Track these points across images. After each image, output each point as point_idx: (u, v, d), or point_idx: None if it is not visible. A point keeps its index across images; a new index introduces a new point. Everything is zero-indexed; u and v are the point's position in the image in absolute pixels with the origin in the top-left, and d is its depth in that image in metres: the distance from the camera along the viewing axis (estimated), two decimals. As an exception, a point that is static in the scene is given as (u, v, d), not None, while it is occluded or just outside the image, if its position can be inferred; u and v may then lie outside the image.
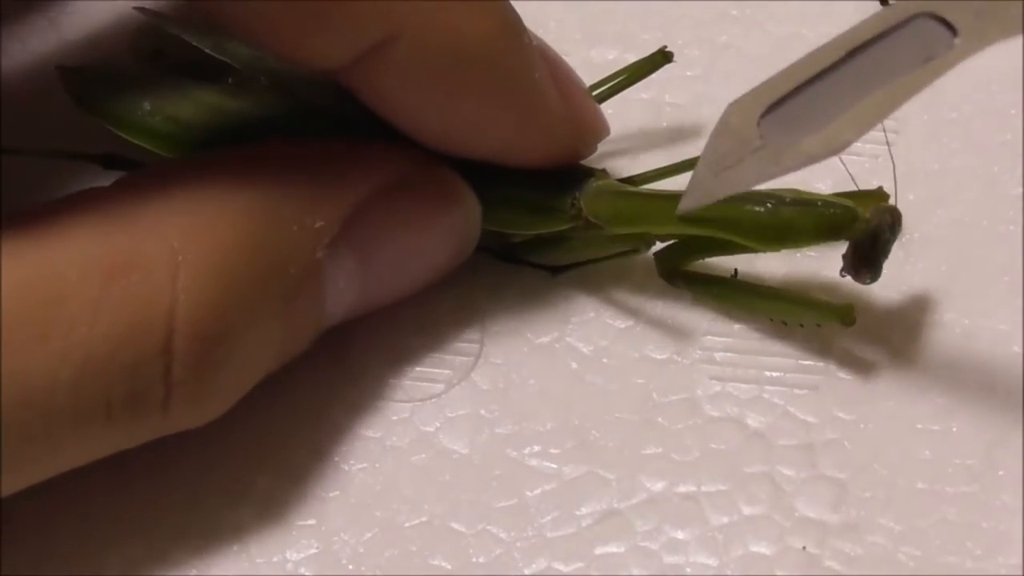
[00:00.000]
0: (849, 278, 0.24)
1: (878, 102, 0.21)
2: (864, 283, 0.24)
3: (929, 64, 0.20)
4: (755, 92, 0.22)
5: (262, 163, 0.21)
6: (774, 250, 0.24)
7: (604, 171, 0.25)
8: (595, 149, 0.26)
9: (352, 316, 0.24)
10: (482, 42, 0.22)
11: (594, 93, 0.26)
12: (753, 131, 0.22)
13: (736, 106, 0.23)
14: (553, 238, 0.25)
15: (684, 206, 0.24)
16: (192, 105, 0.25)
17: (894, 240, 0.23)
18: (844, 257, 0.23)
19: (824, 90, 0.21)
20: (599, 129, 0.26)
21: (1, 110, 0.26)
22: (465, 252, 0.25)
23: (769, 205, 0.23)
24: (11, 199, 0.25)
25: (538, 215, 0.25)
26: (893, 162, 0.24)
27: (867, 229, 0.23)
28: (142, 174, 0.21)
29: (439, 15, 0.21)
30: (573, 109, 0.25)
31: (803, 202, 0.23)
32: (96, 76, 0.26)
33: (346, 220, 0.22)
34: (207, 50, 0.25)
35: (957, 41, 0.20)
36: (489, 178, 0.25)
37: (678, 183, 0.26)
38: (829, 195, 0.24)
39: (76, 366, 0.18)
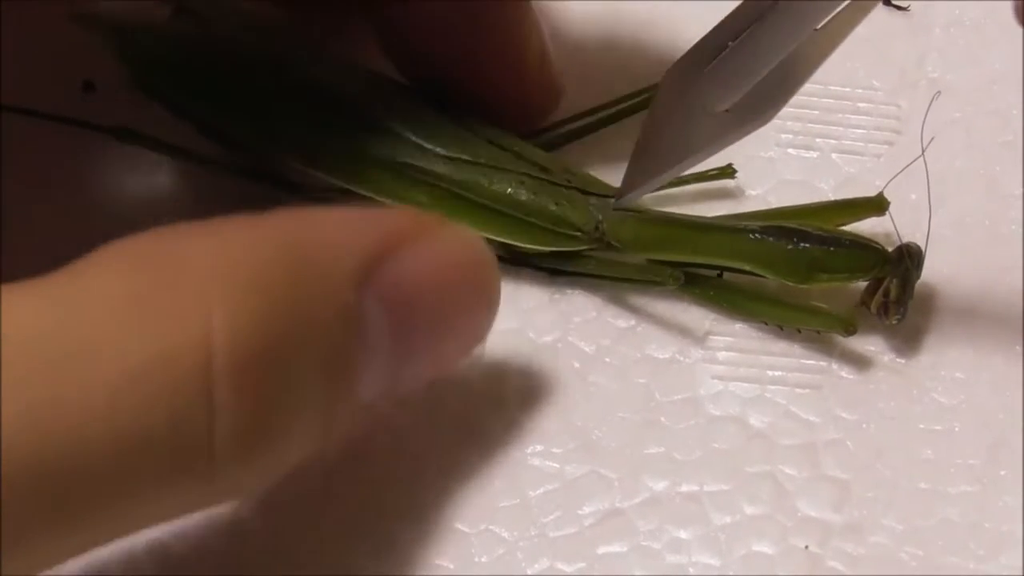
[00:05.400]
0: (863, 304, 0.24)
1: (809, 52, 0.21)
2: (891, 323, 0.24)
3: (848, 6, 0.20)
4: (687, 57, 0.22)
5: (284, 214, 0.21)
6: (802, 284, 0.24)
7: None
8: (548, 114, 0.27)
9: (390, 393, 0.22)
10: None
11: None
12: (693, 102, 0.22)
13: (669, 78, 0.23)
14: (569, 254, 0.25)
15: (624, 199, 0.24)
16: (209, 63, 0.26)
17: (918, 279, 0.24)
18: (867, 295, 0.24)
19: (760, 39, 0.21)
20: (559, 90, 0.27)
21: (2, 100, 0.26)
22: (489, 317, 0.24)
23: (801, 244, 0.24)
24: (16, 171, 0.25)
25: (559, 234, 0.25)
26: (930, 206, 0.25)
27: (896, 272, 0.23)
28: (164, 229, 0.21)
29: None
30: (547, 61, 0.26)
31: (833, 241, 0.24)
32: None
33: (371, 268, 0.21)
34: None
35: None
36: (512, 195, 0.25)
37: (700, 209, 0.26)
38: (856, 234, 0.24)
39: (108, 389, 0.18)
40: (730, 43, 0.22)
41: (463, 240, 0.23)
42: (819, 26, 0.21)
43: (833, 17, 0.21)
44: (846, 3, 0.20)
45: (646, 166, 0.23)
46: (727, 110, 0.22)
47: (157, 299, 0.19)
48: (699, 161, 0.23)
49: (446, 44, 0.25)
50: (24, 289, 0.18)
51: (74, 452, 0.18)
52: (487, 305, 0.23)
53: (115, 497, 0.18)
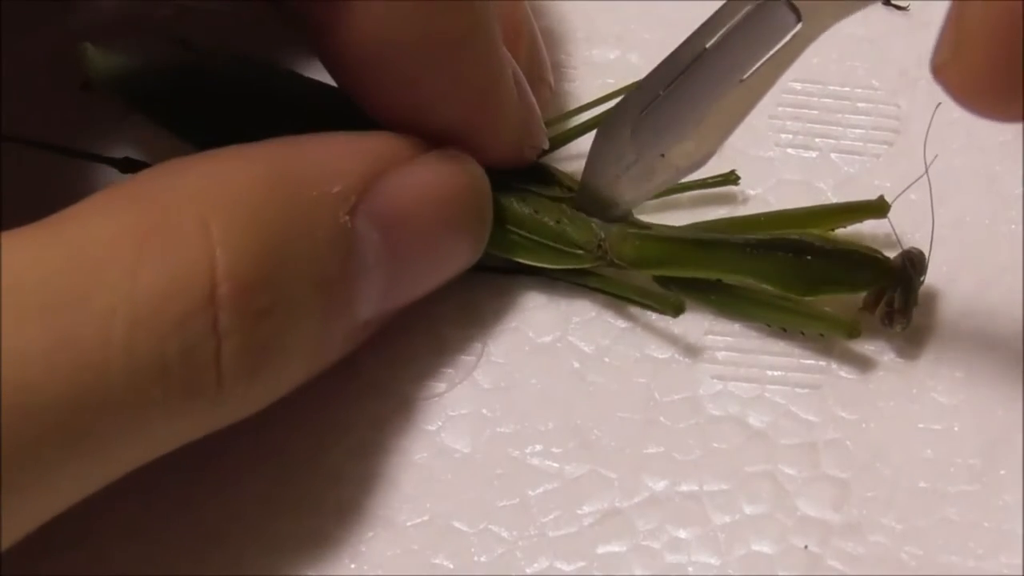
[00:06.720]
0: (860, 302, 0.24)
1: (736, 101, 0.22)
2: (896, 331, 0.24)
3: (778, 53, 0.21)
4: (625, 101, 0.23)
5: (273, 143, 0.22)
6: (805, 296, 0.24)
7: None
8: (533, 159, 0.25)
9: (384, 309, 0.23)
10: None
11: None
12: (627, 147, 0.23)
13: (610, 120, 0.24)
14: (572, 270, 0.25)
15: (582, 208, 0.25)
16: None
17: (921, 284, 0.24)
18: (870, 302, 0.24)
19: (689, 88, 0.22)
20: (541, 138, 0.25)
21: (1, 102, 0.26)
22: (481, 236, 0.24)
23: (803, 257, 0.23)
24: (16, 199, 0.25)
25: (562, 252, 0.25)
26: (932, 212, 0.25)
27: (900, 281, 0.23)
28: (158, 166, 0.21)
29: None
30: (528, 107, 0.25)
31: (834, 252, 0.24)
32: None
33: (362, 190, 0.22)
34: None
35: (800, 25, 0.21)
36: (513, 211, 0.25)
37: (701, 211, 0.26)
38: (859, 245, 0.24)
39: (126, 322, 0.18)
40: (661, 92, 0.23)
41: (453, 160, 0.23)
42: (744, 77, 0.21)
43: (758, 68, 0.21)
44: (769, 56, 0.21)
45: (591, 196, 0.25)
46: (662, 155, 0.23)
47: (158, 233, 0.19)
48: (638, 203, 0.25)
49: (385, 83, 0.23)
50: (21, 234, 0.19)
51: (95, 385, 0.18)
52: (478, 221, 0.24)
53: (133, 424, 0.19)
